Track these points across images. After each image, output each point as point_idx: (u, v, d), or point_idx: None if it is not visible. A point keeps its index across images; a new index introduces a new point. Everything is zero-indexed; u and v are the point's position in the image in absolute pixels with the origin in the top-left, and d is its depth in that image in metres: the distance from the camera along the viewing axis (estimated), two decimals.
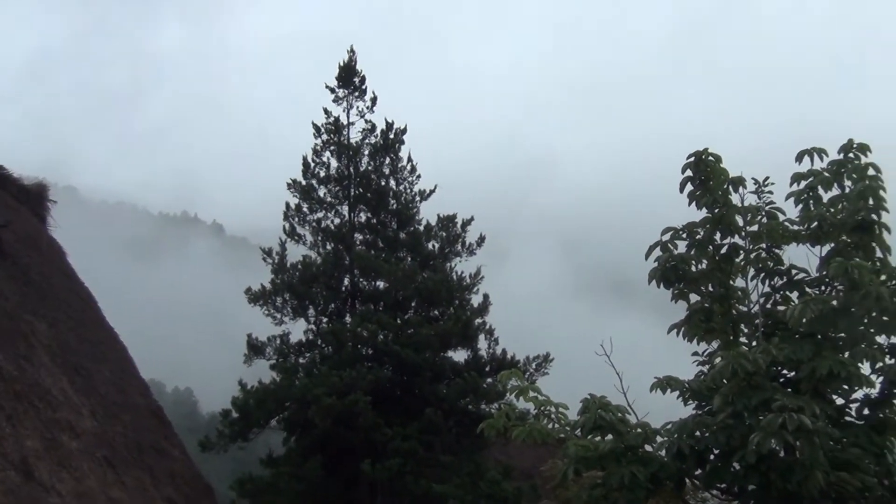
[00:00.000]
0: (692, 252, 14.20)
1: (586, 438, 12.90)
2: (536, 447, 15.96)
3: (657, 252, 14.13)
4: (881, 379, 13.39)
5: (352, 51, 35.04)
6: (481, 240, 34.34)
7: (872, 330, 13.24)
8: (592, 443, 12.87)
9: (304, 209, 34.62)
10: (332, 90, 34.89)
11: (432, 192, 34.83)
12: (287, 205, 34.64)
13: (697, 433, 12.59)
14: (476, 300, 33.58)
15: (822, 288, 13.79)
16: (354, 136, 34.88)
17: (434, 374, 31.98)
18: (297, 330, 33.81)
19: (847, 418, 13.50)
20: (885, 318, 12.99)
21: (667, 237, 14.16)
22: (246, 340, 33.13)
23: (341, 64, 34.83)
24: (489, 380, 31.62)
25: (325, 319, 33.70)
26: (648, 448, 12.89)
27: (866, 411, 13.61)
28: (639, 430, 12.85)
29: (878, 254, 13.61)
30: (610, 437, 12.80)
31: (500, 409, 14.11)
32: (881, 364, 13.19)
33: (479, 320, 33.02)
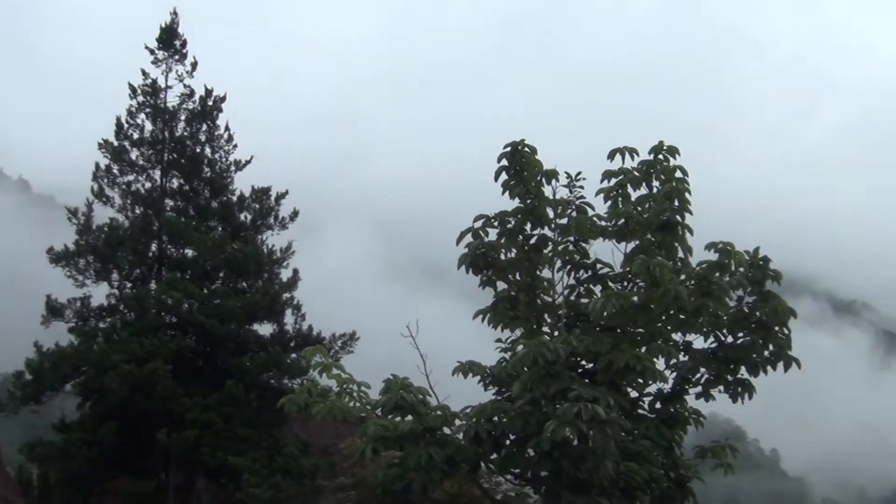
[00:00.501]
0: (502, 240, 14.37)
1: (386, 418, 12.94)
2: (337, 424, 15.89)
3: (468, 238, 14.25)
4: (674, 375, 13.92)
5: (174, 13, 34.20)
6: (295, 214, 34.07)
7: (670, 327, 13.73)
8: (392, 423, 12.92)
9: (115, 171, 33.62)
10: (152, 52, 33.96)
11: (248, 162, 34.37)
12: (97, 165, 33.57)
13: (495, 418, 12.78)
14: (286, 275, 33.34)
15: (625, 283, 14.16)
16: (172, 100, 34.12)
17: (238, 347, 31.61)
18: (100, 294, 32.85)
19: (640, 411, 13.98)
20: (682, 317, 13.47)
21: (478, 224, 14.29)
22: (45, 301, 32.01)
23: (163, 26, 33.94)
24: (293, 355, 31.43)
25: (128, 285, 32.87)
26: (447, 431, 13.01)
27: (658, 405, 14.13)
28: (439, 412, 12.96)
29: (680, 254, 14.09)
30: (410, 418, 12.86)
31: (302, 385, 14.00)
32: (675, 360, 13.70)
33: (287, 295, 32.78)
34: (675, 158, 14.25)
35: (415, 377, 13.34)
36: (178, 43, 34.04)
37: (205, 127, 34.12)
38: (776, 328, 13.65)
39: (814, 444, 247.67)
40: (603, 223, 14.38)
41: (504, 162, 14.36)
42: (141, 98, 33.97)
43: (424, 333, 13.92)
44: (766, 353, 13.76)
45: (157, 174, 33.88)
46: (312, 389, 13.47)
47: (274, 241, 33.74)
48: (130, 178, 33.80)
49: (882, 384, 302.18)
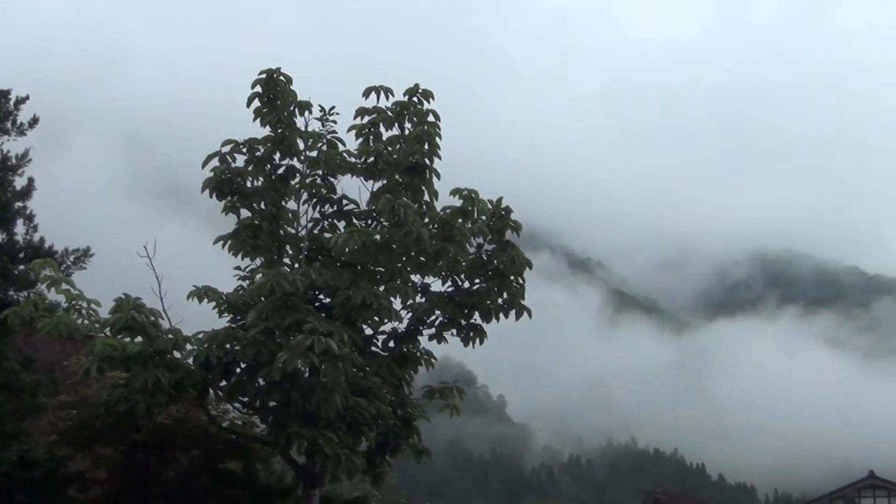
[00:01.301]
0: (250, 168, 14.15)
1: (115, 338, 12.56)
2: (63, 341, 15.35)
3: (214, 162, 13.96)
4: (410, 315, 14.14)
5: None
6: (35, 121, 32.36)
7: (409, 268, 13.92)
8: (121, 343, 12.55)
9: None
10: None
11: None
12: None
13: (228, 345, 12.65)
14: (20, 183, 31.73)
15: (369, 221, 14.24)
16: None
17: None
18: None
19: (373, 348, 14.14)
20: (422, 259, 13.68)
21: (226, 149, 14.02)
22: None
23: None
24: (21, 267, 30.07)
25: None
26: (177, 355, 12.76)
27: (392, 344, 14.34)
28: (170, 335, 12.70)
29: (426, 197, 14.26)
30: (140, 339, 12.54)
31: (28, 299, 13.41)
32: (412, 301, 13.92)
33: (19, 204, 31.25)
34: (428, 102, 14.39)
35: (149, 299, 13.02)
36: None
37: None
38: (512, 277, 14.06)
39: (540, 393, 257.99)
40: (352, 160, 14.39)
41: (258, 89, 14.12)
42: None
43: (163, 256, 13.56)
44: (500, 300, 14.14)
45: None
46: (39, 303, 12.92)
47: (10, 147, 32.04)
48: None
49: (609, 340, 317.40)
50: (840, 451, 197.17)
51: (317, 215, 14.44)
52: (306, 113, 14.17)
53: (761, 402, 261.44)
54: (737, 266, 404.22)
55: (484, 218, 13.81)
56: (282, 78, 14.10)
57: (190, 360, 12.66)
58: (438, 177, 14.21)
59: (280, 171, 14.29)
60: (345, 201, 14.47)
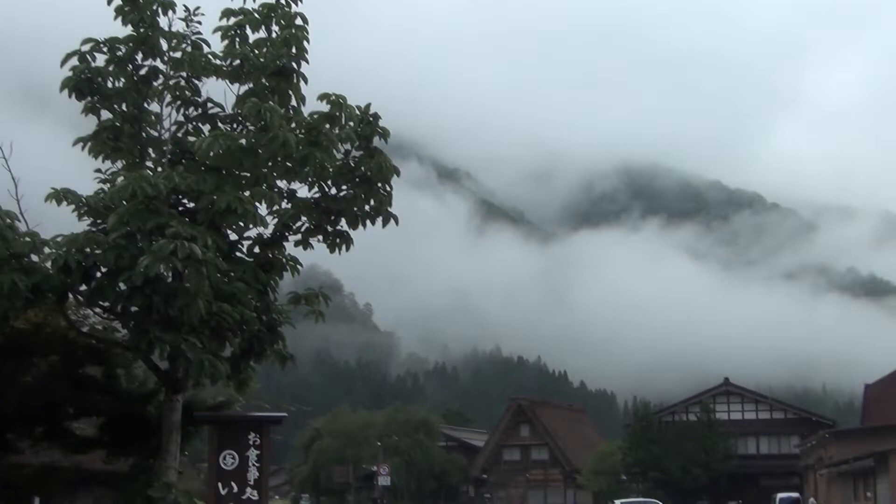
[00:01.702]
0: (111, 68, 13.77)
1: None
2: None
3: (73, 62, 13.54)
4: (275, 221, 14.05)
5: None
6: None
7: (275, 173, 13.79)
8: None
9: None
10: None
11: None
12: None
13: (87, 249, 12.37)
14: None
15: (234, 125, 14.03)
16: None
17: None
18: None
19: (237, 254, 14.01)
20: (288, 164, 13.55)
21: (86, 48, 13.60)
22: None
23: None
24: None
25: None
26: (35, 258, 12.46)
27: (257, 249, 14.24)
28: (27, 238, 12.37)
29: (293, 102, 14.10)
30: None
31: None
32: (278, 207, 13.82)
33: None
34: (297, 5, 14.14)
35: (5, 201, 12.66)
36: None
37: None
38: (379, 184, 14.04)
39: (406, 302, 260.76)
40: (217, 62, 14.10)
41: None
42: None
43: (20, 157, 13.20)
44: (367, 207, 14.14)
45: None
46: None
47: None
48: None
49: (475, 250, 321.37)
50: (698, 359, 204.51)
51: (181, 118, 14.16)
52: (170, 12, 13.80)
53: (623, 312, 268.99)
54: (603, 178, 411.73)
55: (352, 124, 13.72)
56: None
57: (48, 264, 12.37)
58: (306, 81, 14.06)
59: (142, 71, 13.93)
60: (209, 104, 14.20)
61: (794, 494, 68.90)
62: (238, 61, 13.87)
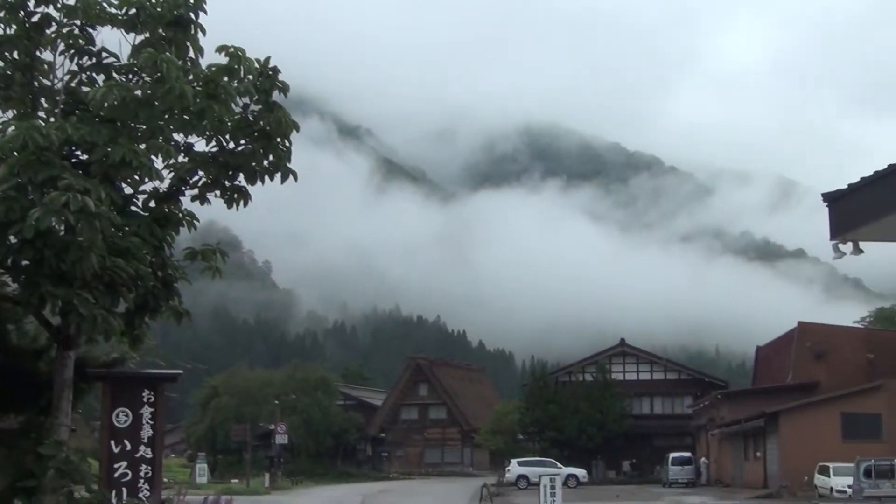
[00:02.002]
0: (1, 14, 13.32)
1: None
2: None
3: None
4: (172, 175, 13.79)
5: None
6: None
7: (172, 126, 13.50)
8: None
9: None
10: None
11: None
12: None
13: None
14: None
15: (130, 76, 13.67)
16: None
17: None
18: None
19: (132, 208, 13.72)
20: (185, 117, 13.29)
21: None
22: None
23: None
24: None
25: None
26: None
27: (152, 204, 13.96)
28: None
29: (191, 54, 13.80)
30: None
31: None
32: (174, 161, 13.56)
33: None
34: None
35: None
36: None
37: None
38: (278, 139, 13.87)
39: (305, 260, 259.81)
40: (113, 10, 13.70)
41: None
42: None
43: None
44: (265, 162, 13.97)
45: None
46: None
47: None
48: None
49: (376, 209, 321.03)
50: (595, 320, 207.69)
51: (74, 67, 13.74)
52: None
53: (522, 273, 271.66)
54: (504, 139, 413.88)
55: (251, 77, 13.51)
56: None
57: None
58: (204, 33, 13.74)
59: (34, 18, 13.48)
60: (104, 54, 13.80)
61: (687, 454, 70.68)
62: (134, 10, 13.47)
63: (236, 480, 71.18)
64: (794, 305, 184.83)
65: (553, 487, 30.76)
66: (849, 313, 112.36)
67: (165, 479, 47.50)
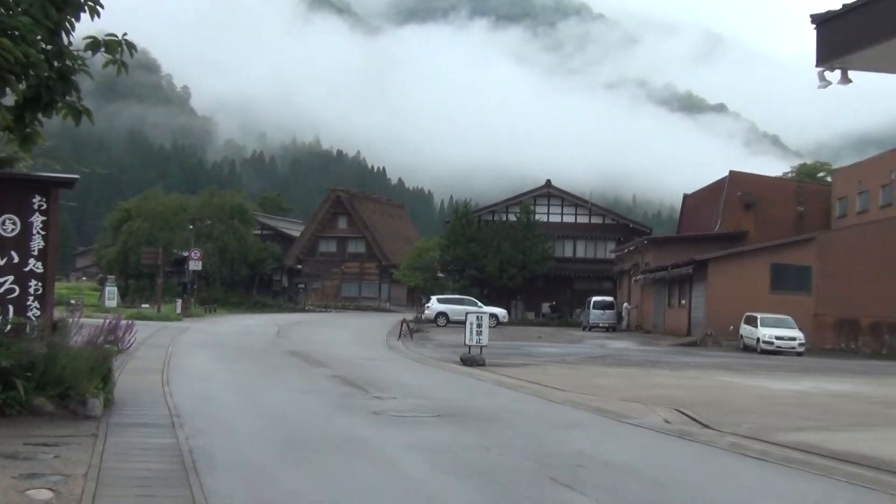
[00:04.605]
0: None
1: None
2: None
3: None
4: None
5: None
6: None
7: None
8: None
9: None
10: None
11: None
12: None
13: None
14: None
15: None
16: None
17: None
18: None
19: None
20: None
21: None
22: None
23: None
24: None
25: None
26: None
27: None
28: None
29: None
30: None
31: None
32: None
33: None
34: None
35: None
36: None
37: None
38: None
39: (225, 87, 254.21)
40: None
41: None
42: None
43: None
44: None
45: None
46: None
47: None
48: None
49: (299, 39, 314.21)
50: (516, 163, 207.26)
51: None
52: None
53: (445, 112, 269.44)
54: None
55: None
56: None
57: None
58: None
59: None
60: None
61: (609, 298, 70.48)
62: None
63: (147, 306, 69.66)
64: (713, 159, 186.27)
65: (480, 325, 29.69)
66: (768, 169, 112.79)
67: (73, 300, 45.93)
